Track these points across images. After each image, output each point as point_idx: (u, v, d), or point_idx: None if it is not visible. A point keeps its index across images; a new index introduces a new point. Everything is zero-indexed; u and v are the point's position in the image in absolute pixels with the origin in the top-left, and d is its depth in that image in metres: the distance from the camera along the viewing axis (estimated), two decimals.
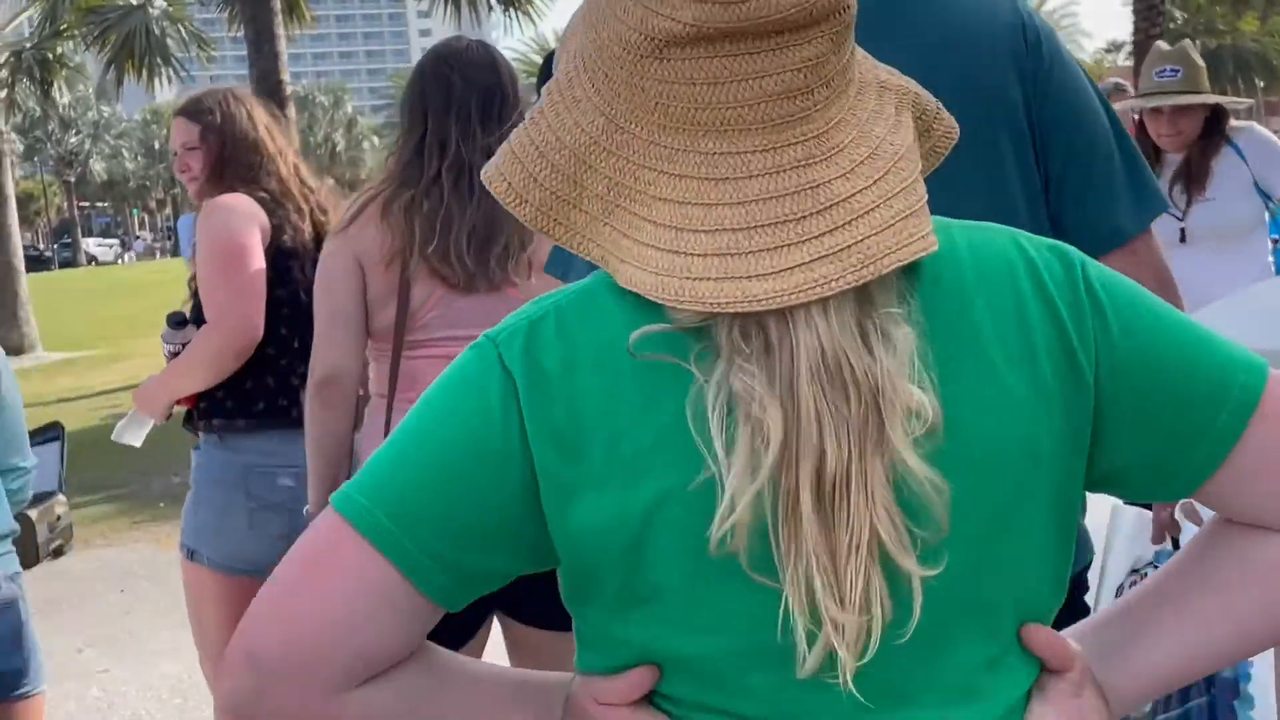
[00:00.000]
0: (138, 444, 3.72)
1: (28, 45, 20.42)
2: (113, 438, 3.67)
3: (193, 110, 3.50)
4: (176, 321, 3.44)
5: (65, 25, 20.12)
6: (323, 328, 2.74)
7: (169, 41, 19.70)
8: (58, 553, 7.55)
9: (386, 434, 2.52)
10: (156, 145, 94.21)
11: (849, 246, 1.04)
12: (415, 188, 2.71)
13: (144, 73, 19.35)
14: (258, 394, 3.24)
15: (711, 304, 1.03)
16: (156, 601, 6.37)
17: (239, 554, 3.21)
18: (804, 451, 1.02)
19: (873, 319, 1.05)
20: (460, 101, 2.75)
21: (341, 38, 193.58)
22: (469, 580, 1.13)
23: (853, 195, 1.05)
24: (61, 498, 7.75)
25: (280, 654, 1.09)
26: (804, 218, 1.04)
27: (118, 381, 16.12)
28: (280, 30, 17.14)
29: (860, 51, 1.14)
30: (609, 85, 1.08)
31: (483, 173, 1.15)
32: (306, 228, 3.35)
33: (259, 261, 3.18)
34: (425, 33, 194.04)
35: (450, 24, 18.44)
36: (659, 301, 1.05)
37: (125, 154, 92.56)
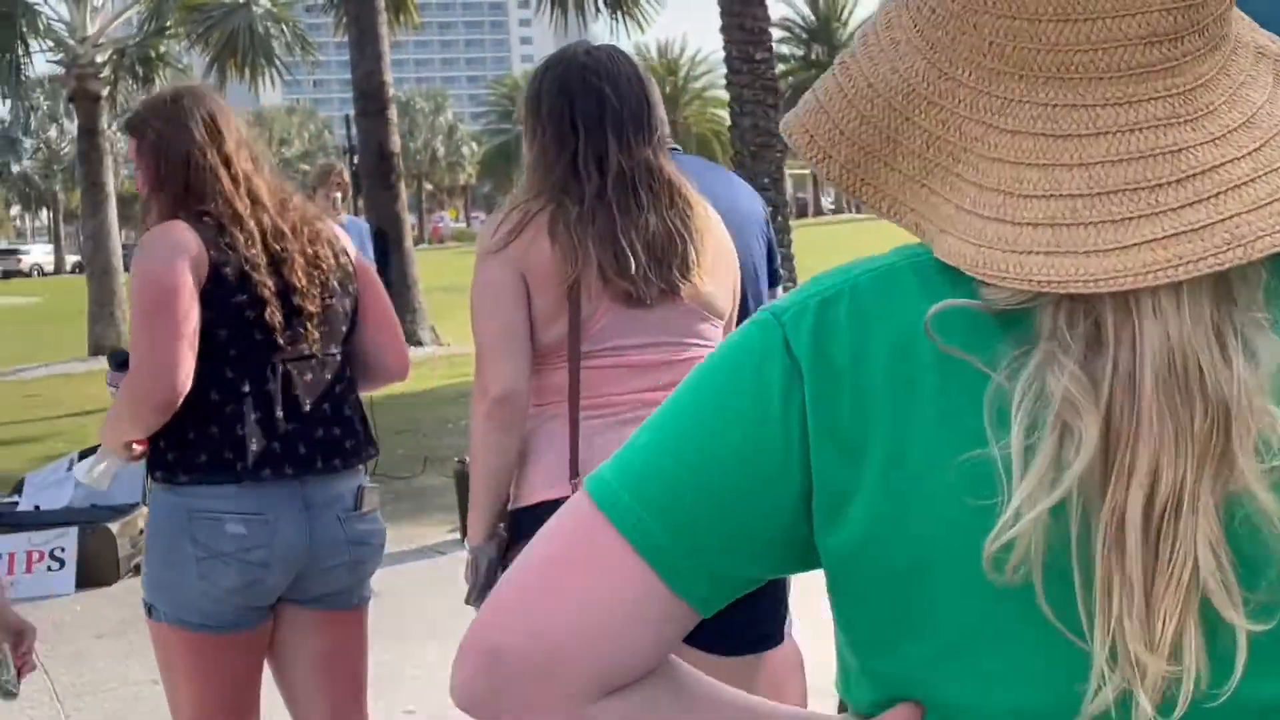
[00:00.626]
0: (104, 486, 3.32)
1: (131, 43, 20.36)
2: (78, 477, 3.19)
3: (132, 122, 3.10)
4: (118, 362, 3.11)
5: (169, 23, 20.06)
6: (493, 347, 2.65)
7: (273, 42, 19.54)
8: (139, 568, 7.15)
9: (573, 448, 2.58)
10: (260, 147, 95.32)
11: (1213, 224, 0.89)
12: (578, 204, 2.65)
13: (247, 72, 19.19)
14: (201, 445, 2.88)
15: (1041, 282, 0.89)
16: None
17: (192, 607, 2.90)
18: (1137, 467, 0.89)
19: (1232, 320, 0.91)
20: (614, 113, 2.69)
21: (443, 45, 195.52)
22: (727, 586, 1.04)
23: (1221, 164, 0.91)
24: (144, 510, 7.41)
25: (526, 655, 1.00)
26: (1160, 186, 0.90)
27: None
28: (384, 31, 16.92)
29: (1236, 10, 0.99)
30: (935, 22, 0.96)
31: (782, 124, 1.02)
32: (258, 254, 2.91)
33: (186, 305, 2.81)
34: (526, 40, 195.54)
35: (553, 31, 17.98)
36: (981, 278, 0.92)
37: None
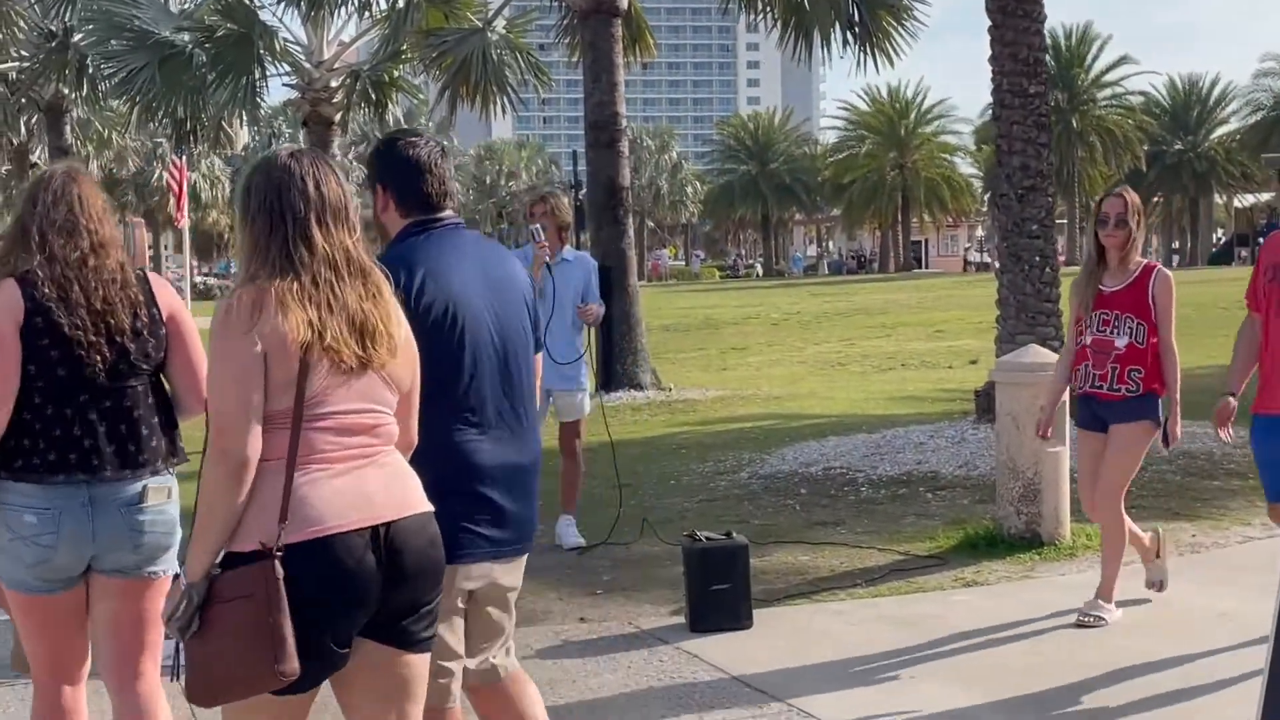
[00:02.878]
0: None
1: (365, 68, 20.15)
2: None
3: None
4: None
5: (404, 47, 19.78)
6: (239, 417, 2.96)
7: (506, 70, 19.06)
8: None
9: (285, 499, 2.94)
10: (488, 180, 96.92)
11: None
12: (298, 280, 3.02)
13: (478, 100, 18.74)
14: (16, 453, 3.75)
15: None
16: None
17: (12, 576, 3.80)
18: None
19: None
20: (317, 205, 3.08)
21: (671, 84, 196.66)
22: None
23: None
24: None
25: None
26: None
27: None
28: (619, 60, 16.22)
29: None
30: None
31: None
32: (67, 299, 3.75)
33: (5, 352, 3.70)
34: (754, 82, 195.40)
35: (780, 73, 17.01)
36: None
37: (458, 187, 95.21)
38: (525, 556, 3.74)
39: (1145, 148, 70.68)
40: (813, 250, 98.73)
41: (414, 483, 3.13)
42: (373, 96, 20.09)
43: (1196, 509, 8.46)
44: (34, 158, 27.50)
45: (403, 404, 3.17)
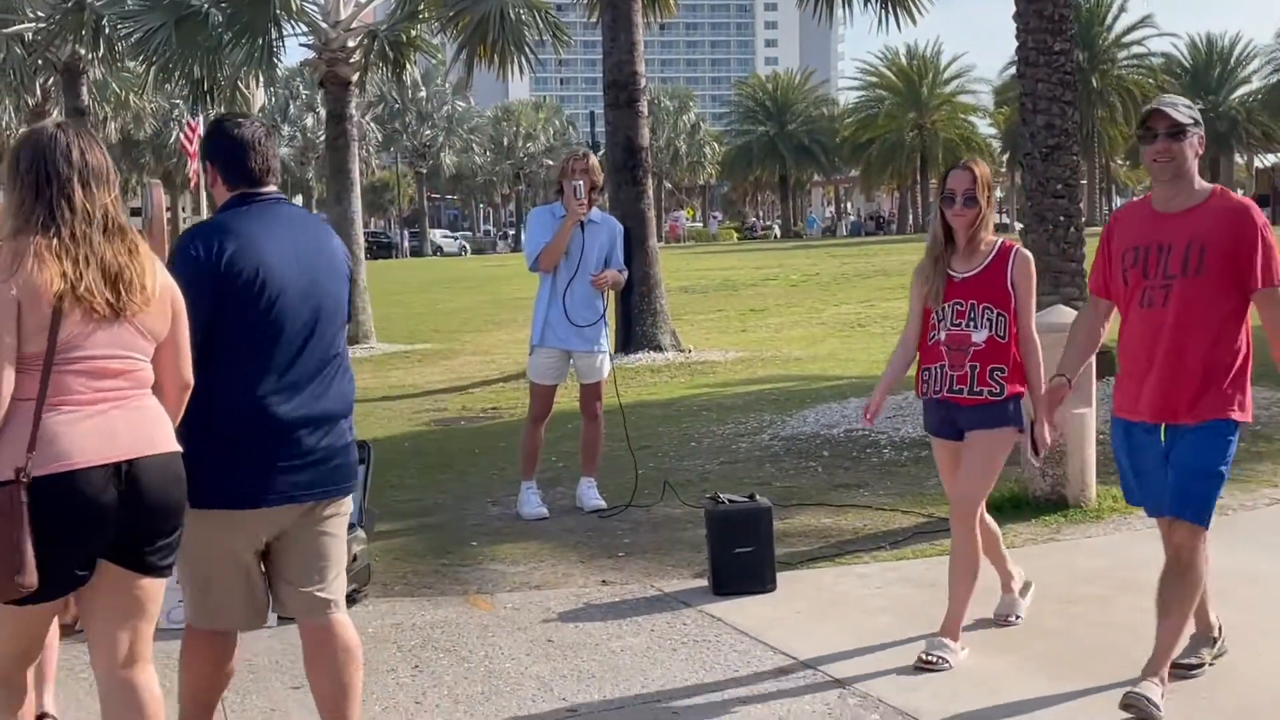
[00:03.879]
0: None
1: (383, 28, 19.99)
2: None
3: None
4: None
5: (421, 6, 19.61)
6: None
7: (524, 30, 18.88)
8: (350, 599, 6.32)
9: (34, 433, 3.32)
10: (505, 142, 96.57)
11: None
12: (57, 237, 3.41)
13: (495, 60, 18.60)
14: None
15: None
16: (454, 689, 5.06)
17: None
18: None
19: None
20: (80, 170, 3.48)
21: (689, 45, 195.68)
22: None
23: None
24: (360, 534, 6.56)
25: None
26: None
27: (444, 381, 15.33)
28: (638, 19, 16.07)
29: None
30: None
31: None
32: None
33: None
34: (771, 43, 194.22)
35: (798, 34, 16.81)
36: None
37: (475, 149, 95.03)
38: (341, 500, 4.07)
39: None
40: (830, 211, 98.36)
41: (163, 426, 3.55)
42: (390, 56, 19.96)
43: None
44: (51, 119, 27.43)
45: (166, 350, 3.59)
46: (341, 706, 4.00)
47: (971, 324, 5.14)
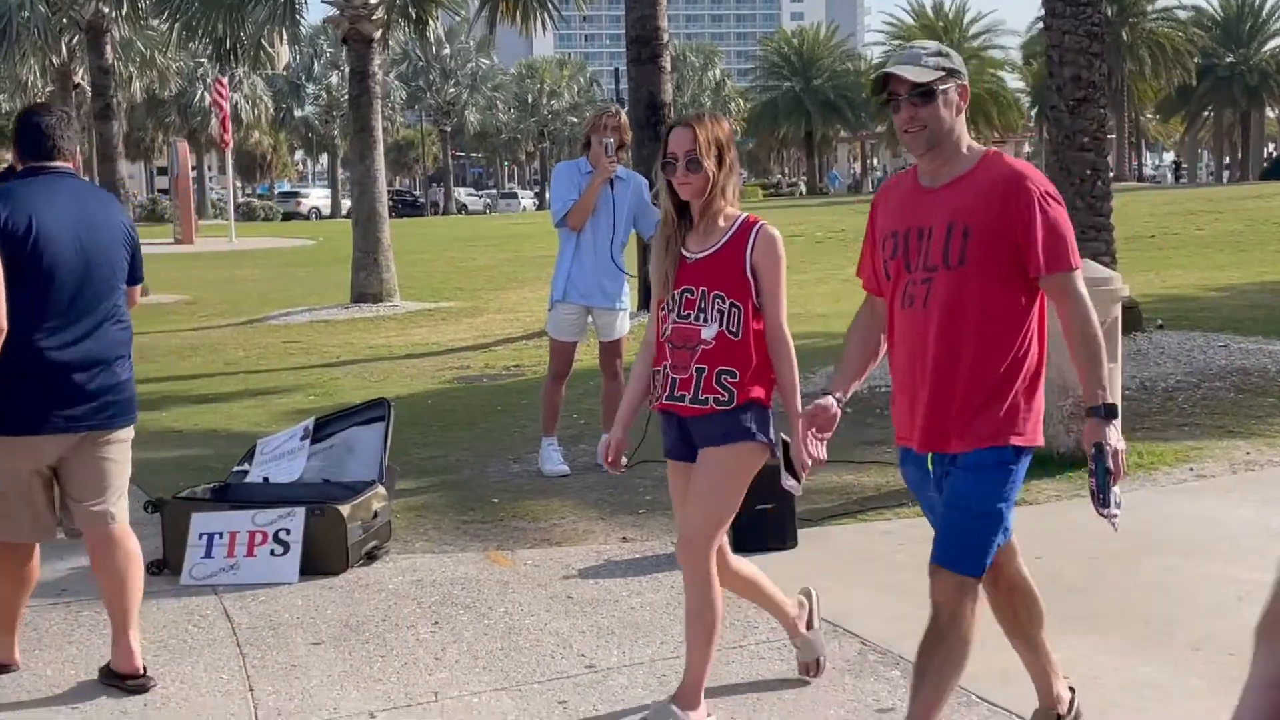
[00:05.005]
0: None
1: None
2: None
3: None
4: None
5: None
6: None
7: None
8: (370, 556, 6.34)
9: None
10: (529, 99, 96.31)
11: None
12: None
13: (518, 16, 18.50)
14: None
15: None
16: (474, 645, 5.06)
17: None
18: None
19: None
20: None
21: (713, 1, 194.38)
22: None
23: None
24: (381, 490, 6.54)
25: None
26: None
27: (468, 339, 15.32)
28: None
29: None
30: None
31: None
32: None
33: None
34: None
35: None
36: None
37: (499, 106, 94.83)
38: (118, 430, 4.77)
39: (1195, 61, 69.37)
40: (856, 168, 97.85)
41: None
42: (412, 14, 19.88)
43: (1250, 425, 8.31)
44: (76, 79, 27.41)
45: None
46: (123, 596, 4.71)
47: (701, 316, 4.10)
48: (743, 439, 4.12)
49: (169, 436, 9.61)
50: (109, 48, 24.70)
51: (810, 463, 3.97)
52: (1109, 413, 3.54)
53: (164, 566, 6.06)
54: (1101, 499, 3.58)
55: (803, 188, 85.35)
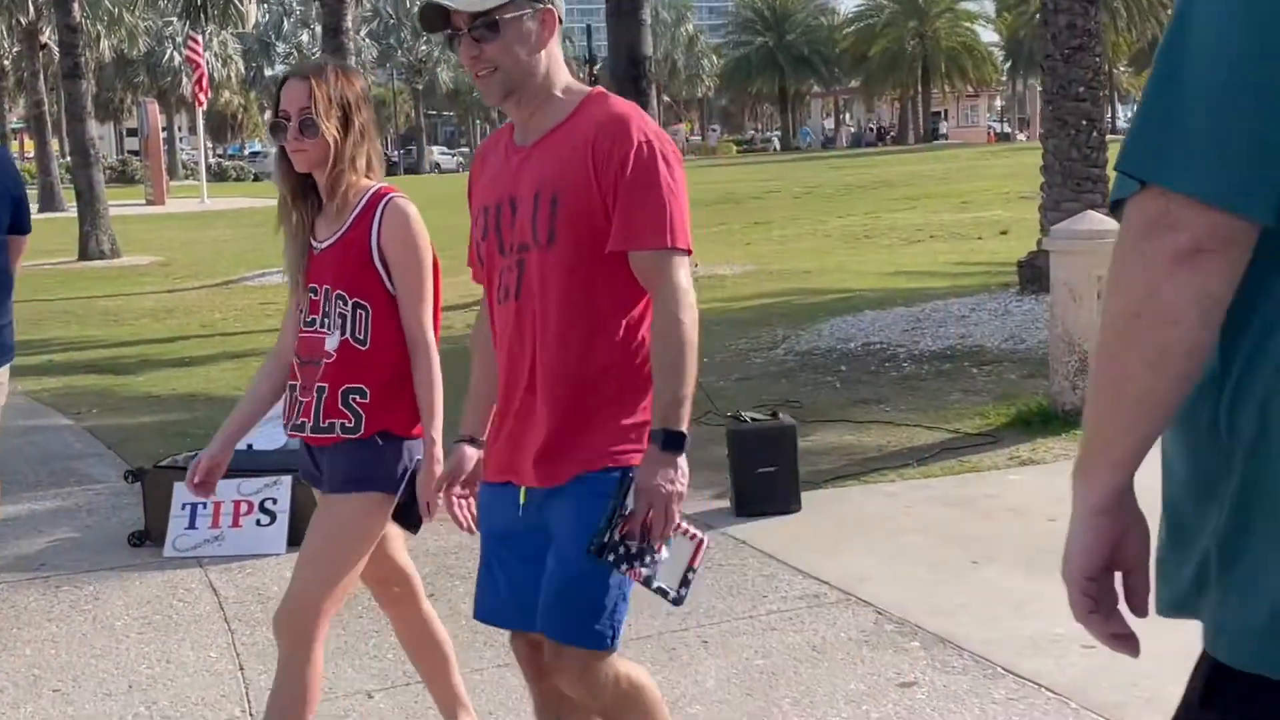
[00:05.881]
0: None
1: None
2: None
3: None
4: None
5: None
6: None
7: None
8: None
9: None
10: None
11: None
12: None
13: None
14: None
15: None
16: (469, 615, 4.85)
17: None
18: None
19: None
20: None
21: None
22: None
23: None
24: None
25: None
26: None
27: (450, 298, 15.05)
28: None
29: None
30: None
31: None
32: None
33: None
34: None
35: None
36: None
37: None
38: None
39: (1169, 14, 69.28)
40: (829, 123, 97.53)
41: None
42: None
43: None
44: (44, 38, 26.93)
45: None
46: None
47: (325, 322, 3.27)
48: (368, 488, 3.25)
49: (146, 402, 9.38)
50: (76, 6, 24.23)
51: (432, 512, 3.18)
52: (669, 442, 2.65)
53: (146, 538, 5.85)
54: (623, 563, 2.64)
55: (776, 144, 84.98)
